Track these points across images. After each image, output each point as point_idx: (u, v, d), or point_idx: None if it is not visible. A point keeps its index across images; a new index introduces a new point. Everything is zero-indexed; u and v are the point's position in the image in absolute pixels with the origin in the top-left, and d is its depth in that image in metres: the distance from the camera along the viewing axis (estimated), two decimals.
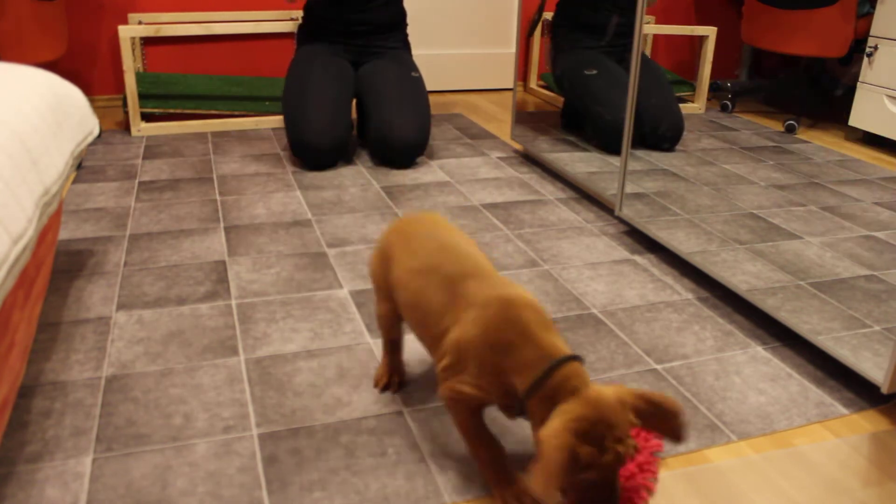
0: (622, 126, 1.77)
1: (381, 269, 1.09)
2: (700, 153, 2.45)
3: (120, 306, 1.40)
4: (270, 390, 1.16)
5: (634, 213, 1.82)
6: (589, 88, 2.46)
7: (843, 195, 2.09)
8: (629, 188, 2.06)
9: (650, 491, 0.96)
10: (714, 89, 3.19)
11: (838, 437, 1.10)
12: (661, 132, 2.41)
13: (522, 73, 3.48)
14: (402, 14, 2.47)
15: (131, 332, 1.31)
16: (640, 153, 2.41)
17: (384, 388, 1.17)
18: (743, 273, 1.56)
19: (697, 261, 1.57)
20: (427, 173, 2.20)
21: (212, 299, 1.43)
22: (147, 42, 2.96)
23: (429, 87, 3.40)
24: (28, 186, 1.00)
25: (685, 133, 2.57)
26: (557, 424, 0.80)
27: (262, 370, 1.21)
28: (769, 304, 1.41)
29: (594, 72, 2.47)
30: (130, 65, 2.41)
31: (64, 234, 1.71)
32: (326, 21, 2.38)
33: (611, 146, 2.42)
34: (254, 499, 0.94)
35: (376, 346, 1.29)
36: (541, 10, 3.09)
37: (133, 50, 2.87)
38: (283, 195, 1.99)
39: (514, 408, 0.89)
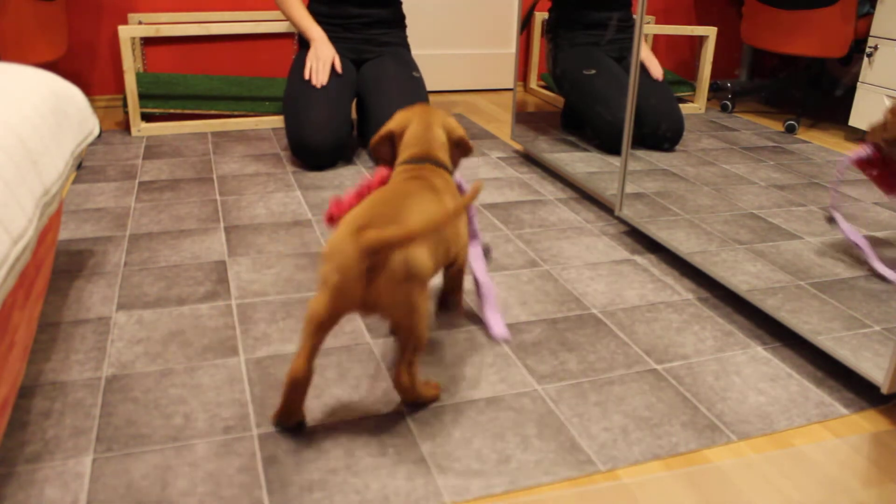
0: (622, 126, 1.78)
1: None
2: (700, 153, 2.45)
3: (120, 306, 1.40)
4: (270, 390, 1.16)
5: (634, 213, 1.82)
6: (589, 89, 2.46)
7: (843, 195, 2.09)
8: (629, 188, 2.06)
9: None
10: (714, 89, 3.19)
11: (838, 437, 1.10)
12: (661, 132, 2.41)
13: (522, 73, 3.48)
14: (402, 14, 2.48)
15: (131, 332, 1.31)
16: (640, 153, 2.41)
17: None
18: (743, 273, 1.56)
19: (697, 261, 1.57)
20: None
21: (212, 299, 1.43)
22: (147, 42, 2.96)
23: (429, 87, 3.40)
24: (28, 186, 1.00)
25: (685, 133, 2.57)
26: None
27: (262, 370, 1.21)
28: (769, 304, 1.41)
29: (593, 72, 2.47)
30: (130, 65, 2.41)
31: (64, 234, 1.71)
32: (327, 17, 2.38)
33: (611, 146, 2.42)
34: (254, 499, 0.94)
35: (376, 346, 1.29)
36: (531, 10, 3.09)
37: (133, 50, 2.87)
38: (283, 195, 1.99)
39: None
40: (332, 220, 1.27)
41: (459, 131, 1.28)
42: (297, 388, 1.03)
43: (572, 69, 2.53)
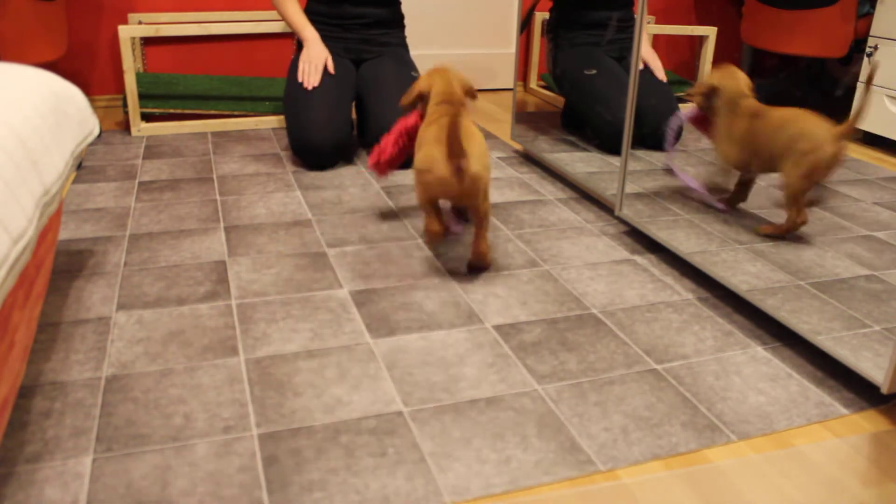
0: (622, 126, 1.78)
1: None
2: (700, 153, 2.45)
3: (120, 306, 1.40)
4: (270, 390, 1.16)
5: (634, 213, 1.82)
6: (589, 89, 2.46)
7: (843, 195, 2.09)
8: (629, 188, 2.06)
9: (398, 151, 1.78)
10: None
11: (838, 437, 1.10)
12: (661, 132, 2.41)
13: (522, 73, 3.48)
14: (401, 14, 2.48)
15: (131, 332, 1.31)
16: (640, 153, 2.41)
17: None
18: (743, 273, 1.56)
19: (697, 261, 1.57)
20: None
21: (212, 299, 1.43)
22: (147, 42, 2.96)
23: None
24: (28, 186, 1.00)
25: (685, 133, 2.57)
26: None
27: (262, 370, 1.21)
28: (769, 304, 1.41)
29: (594, 72, 2.47)
30: (130, 65, 2.41)
31: (64, 234, 1.71)
32: (326, 17, 2.38)
33: (611, 146, 2.42)
34: (254, 499, 0.94)
35: (376, 346, 1.29)
36: (531, 11, 3.09)
37: (133, 50, 2.87)
38: (283, 195, 1.99)
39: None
40: (379, 162, 1.79)
41: (469, 83, 1.72)
42: (437, 240, 1.61)
43: (572, 69, 2.53)
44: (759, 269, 1.59)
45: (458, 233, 1.74)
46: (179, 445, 1.03)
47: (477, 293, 1.48)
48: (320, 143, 2.15)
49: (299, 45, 2.48)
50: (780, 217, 1.84)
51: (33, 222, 0.98)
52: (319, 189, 2.05)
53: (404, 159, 1.81)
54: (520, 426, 1.09)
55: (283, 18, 2.37)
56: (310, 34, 2.32)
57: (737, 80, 1.68)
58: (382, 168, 1.80)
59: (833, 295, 1.48)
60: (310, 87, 2.22)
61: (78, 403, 1.11)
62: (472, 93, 1.72)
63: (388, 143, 1.77)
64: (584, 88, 2.48)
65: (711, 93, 1.68)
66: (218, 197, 1.97)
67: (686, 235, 1.74)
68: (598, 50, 2.54)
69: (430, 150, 1.48)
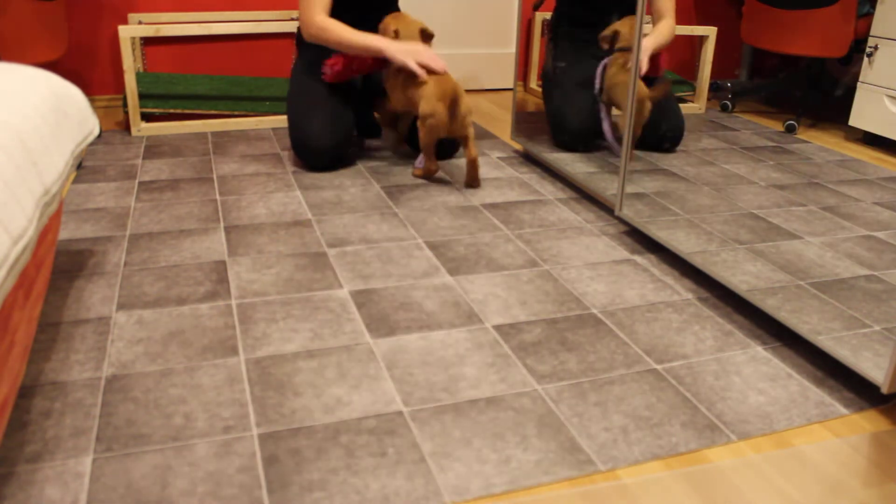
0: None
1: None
2: (700, 153, 2.45)
3: (120, 306, 1.40)
4: (270, 390, 1.16)
5: (634, 213, 1.82)
6: (553, 80, 2.46)
7: (843, 195, 2.09)
8: (629, 188, 2.06)
9: None
10: (714, 89, 3.19)
11: (838, 437, 1.10)
12: (661, 133, 2.41)
13: (522, 73, 3.48)
14: (398, 8, 2.47)
15: (131, 332, 1.31)
16: (640, 153, 2.41)
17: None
18: (743, 273, 1.56)
19: (697, 261, 1.57)
20: None
21: (212, 299, 1.43)
22: (147, 42, 2.96)
23: None
24: (28, 186, 1.00)
25: (685, 133, 2.57)
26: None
27: (262, 370, 1.21)
28: (769, 304, 1.41)
29: (563, 64, 2.47)
30: (130, 65, 2.41)
31: (64, 234, 1.71)
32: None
33: (560, 142, 2.44)
34: (254, 499, 0.94)
35: (376, 346, 1.29)
36: None
37: (133, 50, 2.87)
38: (283, 195, 1.99)
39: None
40: (333, 72, 2.20)
41: (424, 26, 2.15)
42: (432, 175, 2.13)
43: (554, 63, 2.53)
44: (759, 269, 1.59)
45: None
46: (179, 445, 1.03)
47: (477, 293, 1.48)
48: (321, 146, 2.15)
49: (300, 49, 2.47)
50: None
51: (33, 222, 0.98)
52: (319, 189, 2.05)
53: (348, 78, 2.21)
54: (520, 426, 1.09)
55: (342, 45, 2.10)
56: (382, 42, 2.07)
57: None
58: (332, 77, 2.19)
59: (833, 295, 1.48)
60: (441, 70, 2.05)
61: (78, 403, 1.12)
62: (428, 35, 2.17)
63: (339, 61, 2.17)
64: (550, 79, 2.48)
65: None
66: (218, 197, 1.97)
67: (686, 235, 1.74)
68: (589, 49, 2.52)
69: (432, 104, 2.00)
